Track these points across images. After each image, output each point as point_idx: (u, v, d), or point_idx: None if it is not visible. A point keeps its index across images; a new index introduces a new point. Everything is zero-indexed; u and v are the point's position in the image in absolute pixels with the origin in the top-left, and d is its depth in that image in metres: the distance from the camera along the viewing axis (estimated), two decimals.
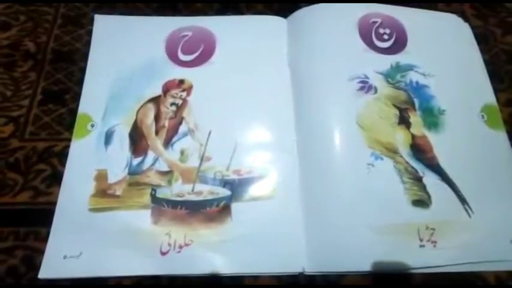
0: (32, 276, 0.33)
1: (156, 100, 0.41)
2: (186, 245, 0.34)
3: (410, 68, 0.43)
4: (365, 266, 0.33)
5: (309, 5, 0.45)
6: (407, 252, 0.34)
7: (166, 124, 0.40)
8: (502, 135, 0.40)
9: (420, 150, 0.38)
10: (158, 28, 0.45)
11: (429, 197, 0.36)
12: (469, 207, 0.36)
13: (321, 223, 0.35)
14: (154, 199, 0.36)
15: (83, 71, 0.43)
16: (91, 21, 0.46)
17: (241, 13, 0.49)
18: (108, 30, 0.45)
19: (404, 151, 0.38)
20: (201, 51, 0.44)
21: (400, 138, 0.39)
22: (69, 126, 0.40)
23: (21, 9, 0.48)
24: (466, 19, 0.48)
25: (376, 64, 0.42)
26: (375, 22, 0.45)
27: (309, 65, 0.42)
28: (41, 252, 0.34)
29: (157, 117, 0.40)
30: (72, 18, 0.48)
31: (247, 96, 0.41)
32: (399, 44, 0.44)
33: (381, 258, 0.33)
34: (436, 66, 0.43)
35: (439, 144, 0.38)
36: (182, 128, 0.40)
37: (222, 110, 0.41)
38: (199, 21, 0.46)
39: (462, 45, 0.45)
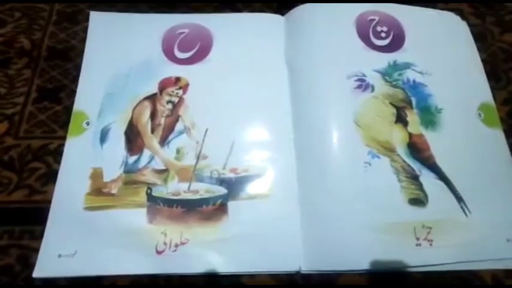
0: (26, 275, 0.33)
1: (152, 98, 0.41)
2: (182, 243, 0.34)
3: (407, 66, 0.42)
4: (361, 264, 0.33)
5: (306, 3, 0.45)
6: (404, 251, 0.34)
7: (163, 122, 0.40)
8: (499, 133, 0.40)
9: (417, 148, 0.38)
10: (154, 25, 0.45)
11: (426, 195, 0.36)
12: (466, 206, 0.36)
13: (318, 222, 0.35)
14: (150, 198, 0.36)
15: (78, 68, 0.42)
16: (87, 18, 0.46)
17: (239, 11, 0.49)
18: (104, 27, 0.45)
19: (401, 150, 0.38)
20: (198, 48, 0.44)
21: (397, 137, 0.39)
22: (64, 124, 0.40)
23: (16, 5, 0.48)
24: (464, 17, 0.48)
25: (374, 62, 0.42)
26: (372, 20, 0.45)
27: (306, 63, 0.42)
28: (36, 251, 0.34)
29: (153, 115, 0.40)
30: (67, 15, 0.48)
31: (244, 94, 0.41)
32: (397, 42, 0.44)
33: (377, 257, 0.33)
34: (434, 65, 0.43)
35: (436, 143, 0.38)
36: (178, 126, 0.39)
37: (219, 108, 0.40)
38: (196, 18, 0.46)
39: (460, 44, 0.45)
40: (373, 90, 0.41)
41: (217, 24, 0.45)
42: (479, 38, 0.46)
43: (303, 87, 0.41)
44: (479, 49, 0.45)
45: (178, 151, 0.38)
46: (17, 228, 0.35)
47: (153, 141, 0.39)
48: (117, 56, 0.43)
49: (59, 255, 0.33)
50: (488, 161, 0.38)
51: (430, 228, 0.35)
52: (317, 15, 0.44)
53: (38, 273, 0.33)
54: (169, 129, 0.39)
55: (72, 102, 0.41)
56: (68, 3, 0.48)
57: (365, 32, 0.44)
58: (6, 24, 0.47)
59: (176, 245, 0.34)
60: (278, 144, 0.39)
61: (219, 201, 0.36)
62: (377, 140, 0.38)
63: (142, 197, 0.36)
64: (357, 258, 0.33)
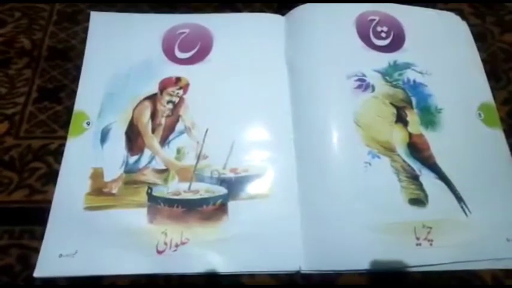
0: (27, 275, 0.33)
1: (152, 98, 0.41)
2: (183, 243, 0.34)
3: (407, 66, 0.42)
4: (361, 264, 0.33)
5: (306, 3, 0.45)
6: (404, 250, 0.34)
7: (163, 122, 0.40)
8: (499, 133, 0.40)
9: (417, 148, 0.38)
10: (155, 25, 0.45)
11: (426, 195, 0.36)
12: (466, 205, 0.36)
13: (318, 222, 0.35)
14: (151, 197, 0.36)
15: (78, 68, 0.43)
16: (87, 18, 0.46)
17: (239, 11, 0.49)
18: (104, 27, 0.45)
19: (402, 150, 0.38)
20: (198, 48, 0.44)
21: (397, 137, 0.39)
22: (65, 124, 0.40)
23: (16, 5, 0.48)
24: (464, 17, 0.48)
25: (374, 62, 0.42)
26: (372, 20, 0.45)
27: (306, 63, 0.42)
28: (36, 251, 0.34)
29: (153, 115, 0.40)
30: (68, 15, 0.48)
31: (244, 94, 0.41)
32: (397, 42, 0.44)
33: (377, 256, 0.33)
34: (434, 65, 0.43)
35: (436, 143, 0.38)
36: (179, 126, 0.39)
37: (219, 108, 0.40)
38: (196, 18, 0.46)
39: (460, 44, 0.45)
40: (373, 90, 0.41)
41: (218, 24, 0.45)
42: (479, 38, 0.46)
43: (303, 87, 0.41)
44: (479, 49, 0.45)
45: (178, 151, 0.38)
46: (17, 228, 0.35)
47: (154, 141, 0.39)
48: (118, 56, 0.43)
49: (60, 255, 0.33)
50: (488, 161, 0.38)
51: (430, 228, 0.35)
52: (317, 15, 0.44)
53: (38, 273, 0.33)
54: (169, 129, 0.39)
55: (73, 103, 0.41)
56: (68, 3, 0.48)
57: (365, 32, 0.44)
58: (7, 24, 0.47)
59: (176, 245, 0.34)
60: (278, 144, 0.39)
61: (219, 201, 0.36)
62: (377, 140, 0.38)
63: (142, 196, 0.36)
64: (357, 258, 0.33)
